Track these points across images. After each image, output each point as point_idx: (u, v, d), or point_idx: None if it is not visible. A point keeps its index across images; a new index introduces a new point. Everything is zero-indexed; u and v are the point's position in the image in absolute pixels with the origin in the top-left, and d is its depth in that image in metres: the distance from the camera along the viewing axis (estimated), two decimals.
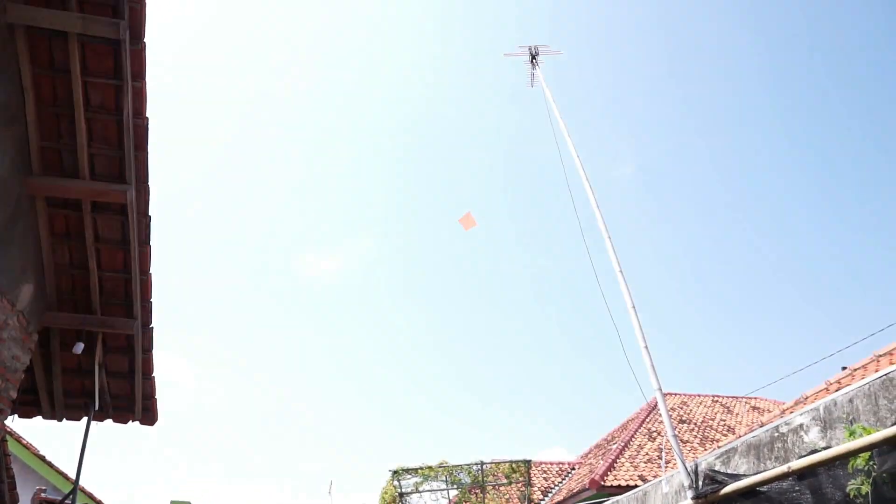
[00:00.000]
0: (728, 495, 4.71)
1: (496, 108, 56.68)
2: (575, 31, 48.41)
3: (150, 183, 5.43)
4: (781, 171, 50.28)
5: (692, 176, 53.18)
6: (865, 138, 45.80)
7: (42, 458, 13.71)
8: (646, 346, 6.49)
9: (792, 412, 5.48)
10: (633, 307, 6.81)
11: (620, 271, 7.09)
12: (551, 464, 19.29)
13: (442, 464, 12.50)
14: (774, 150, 49.38)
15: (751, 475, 4.62)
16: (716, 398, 20.12)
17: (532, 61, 10.47)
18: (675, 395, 19.79)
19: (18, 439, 13.48)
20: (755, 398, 19.89)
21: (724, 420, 18.07)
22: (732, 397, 20.26)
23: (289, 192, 60.90)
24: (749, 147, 49.73)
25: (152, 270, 5.88)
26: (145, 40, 4.88)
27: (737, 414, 18.76)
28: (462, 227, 9.17)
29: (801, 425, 4.78)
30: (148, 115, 5.15)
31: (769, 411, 16.72)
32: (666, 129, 53.08)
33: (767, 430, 5.23)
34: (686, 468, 5.66)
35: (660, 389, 6.39)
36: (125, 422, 6.87)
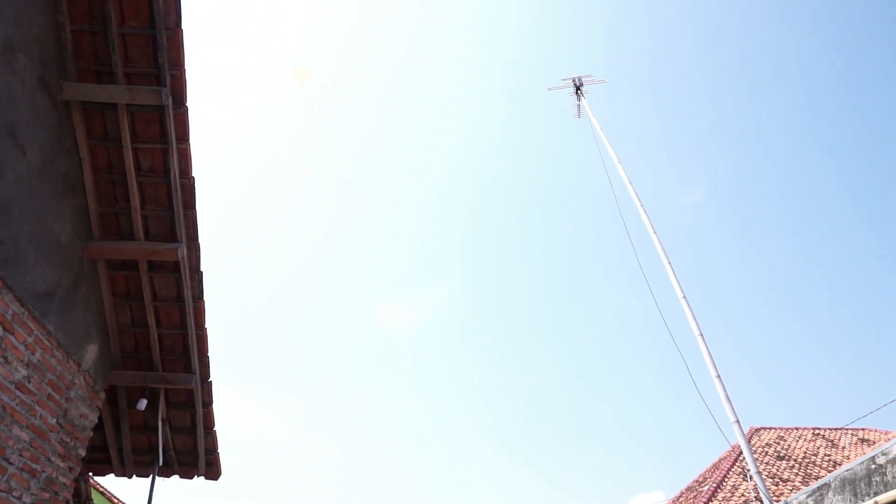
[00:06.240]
0: None
1: (557, 143, 56.44)
2: (636, 55, 47.96)
3: (199, 240, 5.62)
4: (865, 181, 47.12)
5: (772, 194, 50.70)
6: None
7: None
8: (717, 376, 6.01)
9: None
10: (701, 335, 6.36)
11: (683, 297, 6.66)
12: None
13: None
14: (858, 159, 46.49)
15: None
16: (817, 431, 18.47)
17: (577, 92, 10.32)
18: (771, 429, 18.34)
19: (111, 498, 13.98)
20: (863, 429, 18.14)
21: (829, 455, 16.52)
22: (836, 429, 18.54)
23: (367, 245, 62.34)
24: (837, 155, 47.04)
25: (208, 325, 6.02)
26: (187, 104, 5.13)
27: (843, 448, 17.12)
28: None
29: None
30: (193, 174, 5.37)
31: (880, 443, 15.17)
32: (737, 148, 51.12)
33: (863, 462, 4.66)
34: None
35: (737, 422, 5.88)
36: (190, 477, 6.96)
